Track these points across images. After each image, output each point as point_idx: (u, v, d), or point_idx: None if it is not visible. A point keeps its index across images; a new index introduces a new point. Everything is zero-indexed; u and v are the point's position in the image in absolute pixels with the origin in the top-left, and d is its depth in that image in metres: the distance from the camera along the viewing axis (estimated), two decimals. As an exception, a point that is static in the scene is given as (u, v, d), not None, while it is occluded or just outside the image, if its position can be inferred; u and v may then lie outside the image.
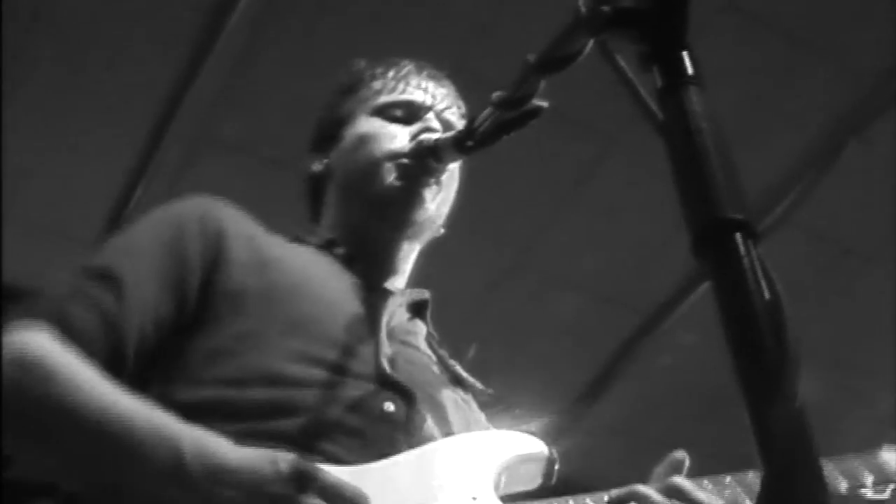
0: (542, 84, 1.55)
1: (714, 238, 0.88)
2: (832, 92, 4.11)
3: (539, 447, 1.70)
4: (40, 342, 1.49)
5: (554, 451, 1.70)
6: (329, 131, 2.05)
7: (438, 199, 1.94)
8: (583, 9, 1.20)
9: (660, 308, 4.82)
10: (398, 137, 1.93)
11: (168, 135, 4.07)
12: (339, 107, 2.06)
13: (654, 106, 1.00)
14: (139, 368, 1.62)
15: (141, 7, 3.79)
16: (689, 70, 0.99)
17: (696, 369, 4.97)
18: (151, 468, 1.38)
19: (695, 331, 4.69)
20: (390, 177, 1.90)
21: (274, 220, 2.06)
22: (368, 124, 1.99)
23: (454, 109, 2.04)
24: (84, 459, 1.44)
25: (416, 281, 2.02)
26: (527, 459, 1.68)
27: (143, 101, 4.03)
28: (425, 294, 1.94)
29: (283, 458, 1.39)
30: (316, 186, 2.07)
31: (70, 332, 1.52)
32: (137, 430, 1.40)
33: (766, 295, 0.84)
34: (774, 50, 3.97)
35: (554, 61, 1.40)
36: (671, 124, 0.96)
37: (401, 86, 2.02)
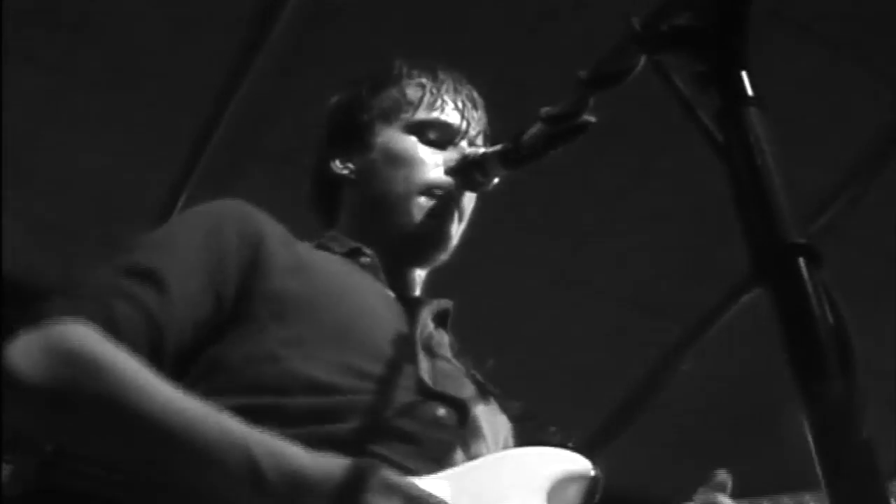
0: (592, 100, 1.54)
1: (778, 262, 0.86)
2: (880, 100, 4.06)
3: (585, 466, 1.68)
4: (89, 338, 1.44)
5: (599, 470, 1.68)
6: (356, 132, 2.01)
7: (460, 226, 1.94)
8: (637, 26, 1.19)
9: (702, 319, 4.78)
10: (434, 166, 1.91)
11: (213, 144, 4.09)
12: (368, 106, 2.01)
13: (712, 127, 0.98)
14: (176, 370, 1.58)
15: (187, 17, 3.81)
16: (749, 91, 0.97)
17: (739, 382, 4.94)
18: (224, 474, 1.34)
19: (738, 343, 4.64)
20: (421, 213, 1.88)
21: (316, 229, 2.06)
22: (403, 142, 1.95)
23: (482, 136, 2.01)
24: (149, 463, 1.40)
25: (443, 294, 2.01)
26: (573, 477, 1.66)
27: (188, 111, 4.05)
28: (449, 303, 1.91)
29: (369, 468, 1.35)
30: (331, 187, 2.03)
31: (114, 330, 1.47)
32: (207, 434, 1.36)
33: (831, 321, 0.82)
34: (821, 59, 3.93)
35: (605, 77, 1.39)
36: (731, 147, 0.94)
37: (438, 102, 1.99)
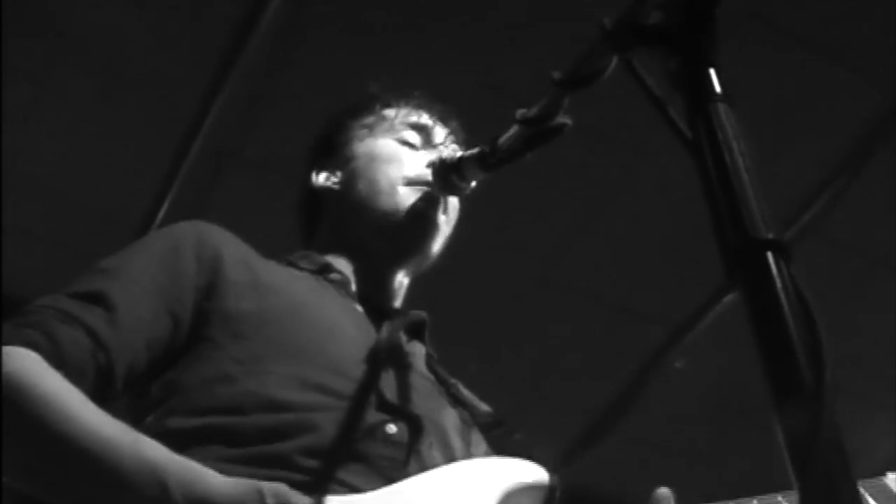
0: (567, 101, 1.55)
1: (747, 259, 0.87)
2: (859, 100, 4.07)
3: (540, 476, 1.65)
4: (26, 365, 1.46)
5: (555, 479, 1.67)
6: (336, 148, 2.04)
7: (443, 231, 1.94)
8: (608, 25, 1.19)
9: (686, 321, 4.80)
10: (415, 163, 1.94)
11: (193, 152, 4.08)
12: (348, 126, 2.05)
13: (682, 124, 0.99)
14: (133, 392, 1.61)
15: (168, 28, 3.80)
16: (718, 88, 0.98)
17: (721, 382, 4.95)
18: (134, 497, 1.36)
19: (721, 344, 4.66)
20: (407, 201, 1.90)
21: (297, 237, 2.06)
22: (383, 145, 1.99)
23: (460, 145, 2.02)
24: (69, 486, 1.42)
25: (428, 297, 2.01)
26: (528, 488, 1.63)
27: (168, 119, 4.05)
28: (422, 315, 1.90)
29: (270, 491, 1.36)
30: (315, 204, 2.05)
31: (57, 355, 1.49)
32: (121, 458, 1.38)
33: (801, 316, 0.82)
34: (800, 59, 3.95)
35: (579, 78, 1.40)
36: (701, 143, 0.95)
37: (414, 113, 2.03)
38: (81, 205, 4.27)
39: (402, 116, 2.02)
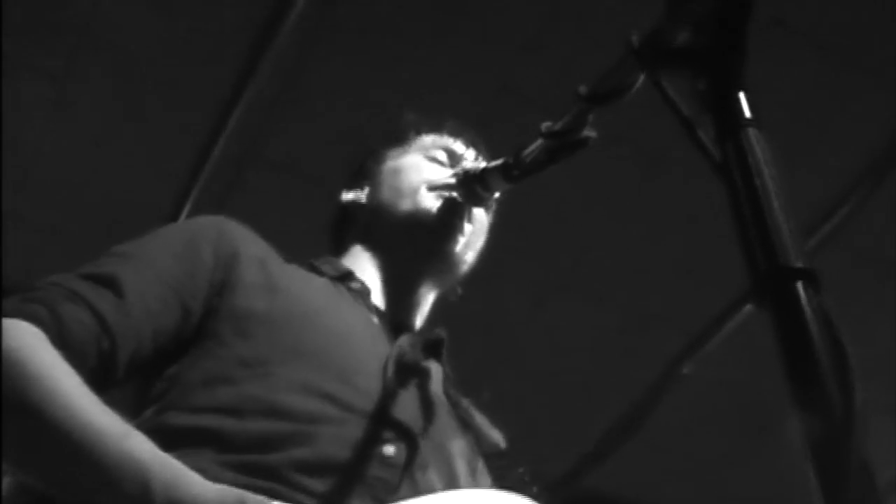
0: (592, 116, 1.54)
1: (776, 287, 0.86)
2: (882, 110, 4.05)
3: None
4: (25, 341, 1.44)
5: None
6: (367, 170, 2.06)
7: (469, 243, 1.94)
8: (635, 43, 1.19)
9: (704, 329, 4.78)
10: (440, 172, 1.95)
11: (216, 154, 4.09)
12: (380, 152, 2.07)
13: (711, 146, 0.98)
14: (136, 382, 1.59)
15: (190, 26, 3.81)
16: (748, 112, 0.97)
17: (741, 389, 4.93)
18: (115, 495, 1.33)
19: (741, 351, 4.64)
20: (431, 204, 1.90)
21: (317, 239, 2.06)
22: (410, 158, 2.01)
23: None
24: (50, 471, 1.40)
25: (451, 308, 2.00)
26: None
27: (191, 120, 4.06)
28: (441, 334, 1.87)
29: (253, 501, 1.34)
30: (344, 217, 2.06)
31: (60, 334, 1.47)
32: (107, 452, 1.35)
33: (831, 347, 0.82)
34: (822, 67, 3.93)
35: (605, 94, 1.39)
36: (730, 167, 0.94)
37: (444, 136, 2.05)
38: (102, 204, 4.28)
39: (433, 141, 2.04)
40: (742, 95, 0.98)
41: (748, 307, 4.45)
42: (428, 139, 2.05)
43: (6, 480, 1.60)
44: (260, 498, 1.36)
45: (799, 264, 0.86)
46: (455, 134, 2.06)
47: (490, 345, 4.41)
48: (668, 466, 5.18)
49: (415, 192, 1.92)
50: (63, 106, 4.01)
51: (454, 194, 1.89)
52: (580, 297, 4.68)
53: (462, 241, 1.91)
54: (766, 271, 0.87)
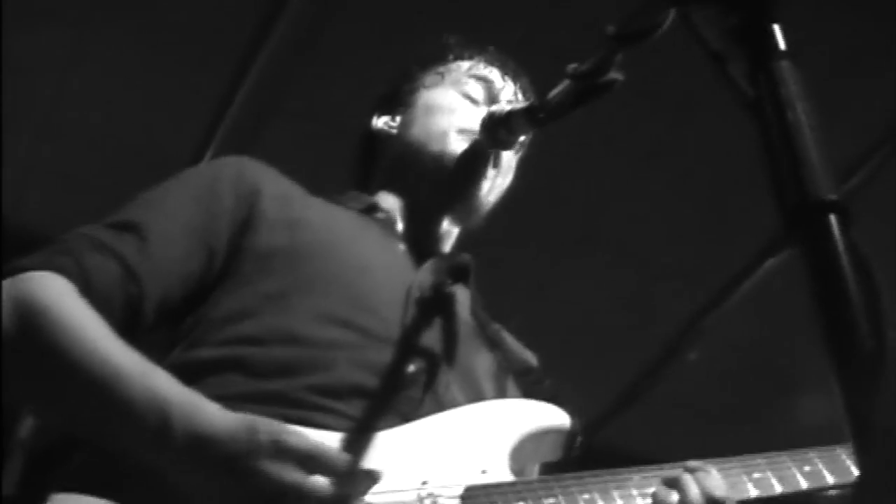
0: (619, 57, 1.53)
1: (807, 220, 0.85)
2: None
3: (561, 419, 1.65)
4: (52, 289, 1.49)
5: (577, 423, 1.66)
6: (401, 95, 2.04)
7: (494, 186, 1.93)
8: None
9: (727, 283, 4.76)
10: (471, 116, 1.93)
11: (236, 102, 4.08)
12: (416, 75, 2.05)
13: (742, 82, 0.96)
14: (164, 327, 1.62)
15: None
16: (781, 44, 0.95)
17: (758, 347, 4.92)
18: (137, 429, 1.38)
19: (763, 306, 4.62)
20: (458, 147, 1.89)
21: (338, 187, 2.06)
22: (444, 95, 1.99)
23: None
24: (74, 411, 1.45)
25: (471, 252, 2.00)
26: (548, 431, 1.64)
27: (211, 70, 4.04)
28: (467, 258, 1.91)
29: (264, 429, 1.36)
30: (372, 146, 2.06)
31: (87, 282, 1.51)
32: (129, 388, 1.39)
33: (861, 280, 0.81)
34: (854, 25, 3.88)
35: (634, 34, 1.38)
36: (762, 102, 0.92)
37: (482, 65, 2.03)
38: (124, 151, 4.28)
39: (470, 69, 2.02)
40: (776, 27, 0.96)
41: (768, 264, 4.43)
42: (465, 65, 2.03)
43: (26, 423, 1.64)
44: (270, 421, 1.38)
45: (832, 197, 0.85)
46: (492, 62, 2.04)
47: (508, 299, 4.40)
48: (682, 423, 5.19)
49: (445, 135, 1.91)
50: (83, 53, 4.00)
51: (480, 140, 1.88)
52: (598, 251, 4.67)
53: (486, 185, 1.91)
54: (799, 204, 0.85)
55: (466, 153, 1.89)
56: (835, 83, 3.93)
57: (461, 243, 1.99)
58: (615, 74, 1.58)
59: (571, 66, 1.59)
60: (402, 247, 1.84)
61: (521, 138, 1.89)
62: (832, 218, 0.84)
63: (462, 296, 1.83)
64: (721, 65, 1.00)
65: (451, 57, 2.05)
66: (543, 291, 4.79)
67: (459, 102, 1.97)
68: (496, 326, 1.86)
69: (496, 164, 1.92)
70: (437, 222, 1.94)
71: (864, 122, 4.18)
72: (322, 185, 1.92)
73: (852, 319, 0.79)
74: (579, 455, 1.67)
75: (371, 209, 1.89)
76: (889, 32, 3.81)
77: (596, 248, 4.65)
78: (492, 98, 1.97)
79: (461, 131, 1.91)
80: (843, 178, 4.24)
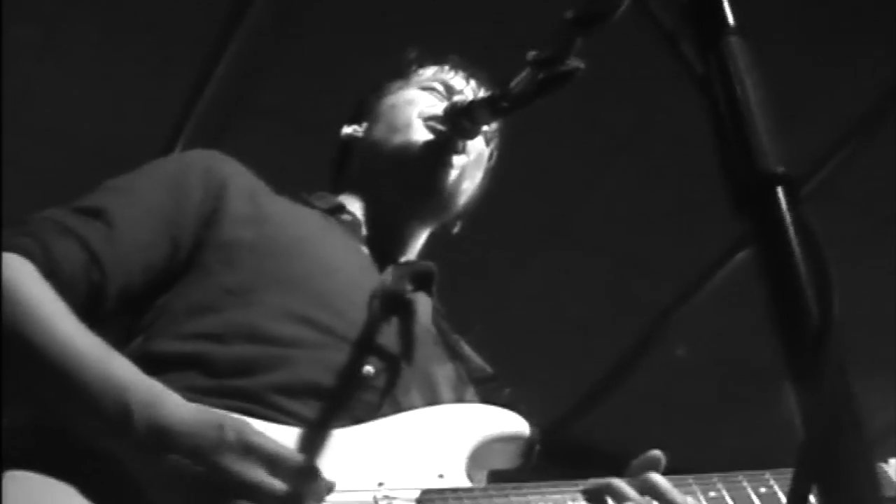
0: (579, 42, 1.53)
1: (755, 194, 0.84)
2: (880, 59, 4.02)
3: (519, 426, 1.64)
4: (13, 269, 1.47)
5: (536, 431, 1.65)
6: (368, 103, 2.06)
7: (464, 175, 1.92)
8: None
9: (698, 276, 4.78)
10: (435, 106, 1.93)
11: (205, 99, 4.07)
12: (382, 86, 2.07)
13: (693, 60, 0.96)
14: (125, 315, 1.61)
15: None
16: (731, 20, 0.95)
17: (732, 338, 4.93)
18: (95, 413, 1.37)
19: (732, 299, 4.64)
20: (422, 136, 1.90)
21: (306, 186, 2.05)
22: (408, 92, 2.01)
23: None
24: (36, 393, 1.44)
25: (443, 247, 2.00)
26: (506, 438, 1.62)
27: (180, 67, 4.02)
28: (430, 266, 1.90)
29: (231, 426, 1.36)
30: (343, 153, 2.07)
31: (50, 266, 1.50)
32: (88, 371, 1.39)
33: (810, 252, 0.81)
34: (820, 15, 3.89)
35: (592, 17, 1.38)
36: (711, 78, 0.92)
37: (445, 69, 2.04)
38: (91, 148, 4.26)
39: (434, 74, 2.03)
40: (725, 3, 0.95)
41: (740, 256, 4.45)
42: (428, 72, 2.04)
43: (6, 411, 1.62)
44: (239, 419, 1.38)
45: (780, 170, 0.84)
46: (455, 68, 2.04)
47: (479, 291, 4.40)
48: (657, 416, 5.20)
49: (408, 126, 1.92)
50: (53, 49, 3.97)
51: (442, 128, 1.88)
52: (570, 244, 4.67)
53: (453, 174, 1.90)
54: (746, 177, 0.85)
55: (430, 142, 1.89)
56: (805, 72, 3.96)
57: (430, 248, 1.99)
58: (577, 62, 1.58)
59: (532, 53, 1.59)
60: (365, 250, 1.84)
61: (485, 127, 1.89)
62: (780, 190, 0.84)
63: (423, 303, 1.82)
64: (672, 43, 1.00)
65: (413, 67, 2.07)
66: (513, 285, 4.79)
67: (422, 95, 1.98)
68: (456, 337, 1.85)
69: (462, 150, 1.91)
70: (402, 226, 1.94)
71: (834, 112, 4.21)
72: (288, 182, 1.91)
73: (799, 294, 0.79)
74: (536, 464, 1.67)
75: (337, 210, 1.89)
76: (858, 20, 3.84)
77: (566, 241, 4.66)
78: (451, 95, 1.98)
79: (425, 119, 1.92)
80: (813, 168, 4.26)
